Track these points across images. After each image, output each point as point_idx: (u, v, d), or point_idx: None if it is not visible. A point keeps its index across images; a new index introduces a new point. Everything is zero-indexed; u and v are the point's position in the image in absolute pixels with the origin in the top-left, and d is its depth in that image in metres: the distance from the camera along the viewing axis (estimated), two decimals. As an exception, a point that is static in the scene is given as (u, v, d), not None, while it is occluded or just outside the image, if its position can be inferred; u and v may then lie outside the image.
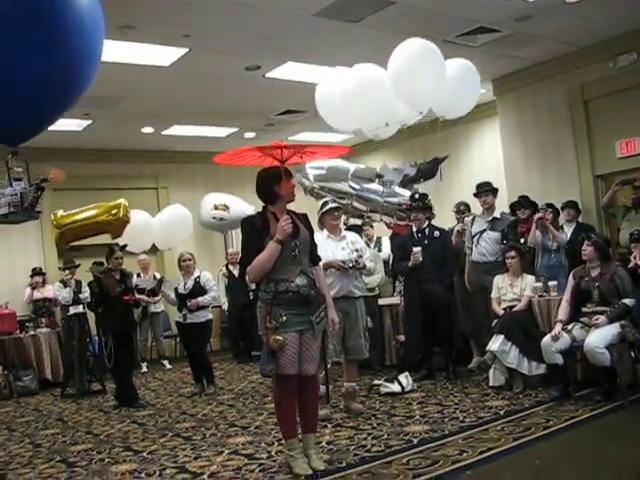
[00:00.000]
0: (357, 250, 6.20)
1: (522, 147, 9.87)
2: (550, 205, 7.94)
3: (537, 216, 7.58)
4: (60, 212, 8.62)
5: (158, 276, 9.74)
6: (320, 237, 5.77)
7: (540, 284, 6.79)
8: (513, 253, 6.94)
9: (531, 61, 9.23)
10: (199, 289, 7.77)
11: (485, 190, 7.47)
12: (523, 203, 8.21)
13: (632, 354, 5.77)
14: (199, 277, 7.85)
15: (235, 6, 6.54)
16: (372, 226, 9.21)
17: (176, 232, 11.54)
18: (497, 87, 9.93)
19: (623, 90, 8.60)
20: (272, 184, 4.37)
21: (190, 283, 7.80)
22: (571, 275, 6.19)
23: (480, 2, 7.01)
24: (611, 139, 8.84)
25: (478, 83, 6.66)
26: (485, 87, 10.05)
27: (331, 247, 6.14)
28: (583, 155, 9.16)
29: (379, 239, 9.31)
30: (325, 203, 6.46)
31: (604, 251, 6.08)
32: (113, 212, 8.58)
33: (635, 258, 6.64)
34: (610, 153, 8.88)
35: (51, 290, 10.13)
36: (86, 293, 8.74)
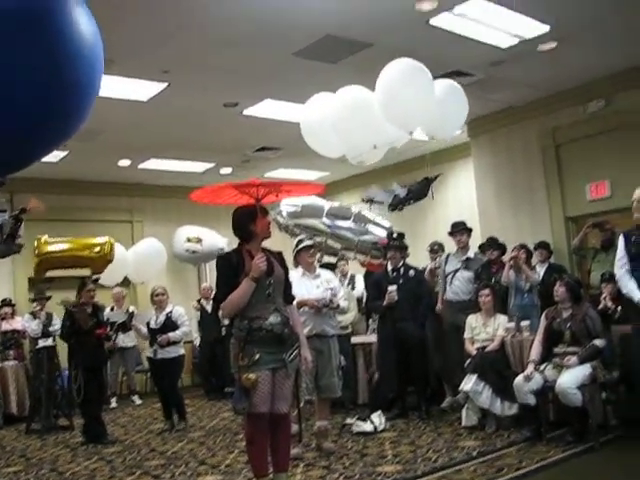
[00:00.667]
0: (331, 289, 6.21)
1: (495, 188, 10.01)
2: (523, 245, 8.05)
3: (511, 255, 7.66)
4: (45, 237, 8.49)
5: (131, 310, 9.65)
6: (295, 275, 5.78)
7: (513, 324, 6.84)
8: (487, 292, 6.99)
9: (505, 104, 9.42)
10: (171, 324, 7.72)
11: (460, 229, 7.56)
12: (492, 244, 8.30)
13: (603, 395, 5.81)
14: (171, 312, 7.80)
15: (215, 43, 6.62)
16: (347, 262, 9.24)
17: (149, 265, 11.48)
18: (472, 129, 10.09)
19: (593, 135, 8.81)
20: (247, 222, 4.38)
21: (162, 318, 7.75)
22: (543, 315, 6.25)
23: (456, 48, 7.17)
24: (582, 182, 9.01)
25: (466, 103, 6.62)
26: (460, 128, 10.21)
27: (306, 285, 6.15)
28: (555, 197, 9.32)
29: (353, 277, 9.34)
30: (300, 241, 6.48)
31: (576, 292, 6.15)
32: (97, 249, 8.45)
33: (605, 299, 6.72)
34: (581, 196, 9.04)
35: (20, 322, 9.98)
36: (56, 326, 8.63)
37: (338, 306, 6.24)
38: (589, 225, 8.46)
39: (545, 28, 6.92)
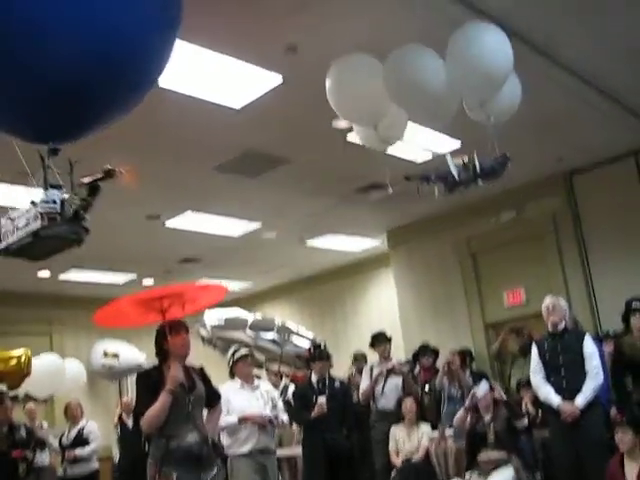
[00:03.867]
0: (272, 399, 6.05)
1: (416, 297, 10.19)
2: (457, 351, 8.07)
3: (444, 361, 7.72)
4: None
5: (45, 426, 9.23)
6: (232, 387, 5.64)
7: (437, 433, 6.84)
8: (409, 401, 7.01)
9: (422, 216, 9.73)
10: (82, 440, 7.40)
11: (381, 340, 7.62)
12: (425, 351, 8.37)
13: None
14: (83, 427, 7.52)
15: (136, 155, 6.69)
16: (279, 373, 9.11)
17: (68, 380, 11.08)
18: (390, 239, 10.36)
19: (507, 243, 9.15)
20: (161, 340, 4.30)
21: (74, 433, 7.47)
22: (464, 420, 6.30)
23: (373, 162, 7.44)
24: (499, 289, 9.28)
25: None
26: (379, 239, 10.49)
27: (246, 397, 5.94)
28: (474, 304, 9.54)
29: (286, 387, 9.20)
30: (237, 350, 6.30)
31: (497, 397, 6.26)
32: (13, 362, 8.11)
33: (526, 404, 6.84)
34: (498, 302, 9.29)
35: None
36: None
37: (283, 423, 6.09)
38: (506, 331, 8.67)
39: (457, 143, 7.29)
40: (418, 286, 10.15)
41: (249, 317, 9.01)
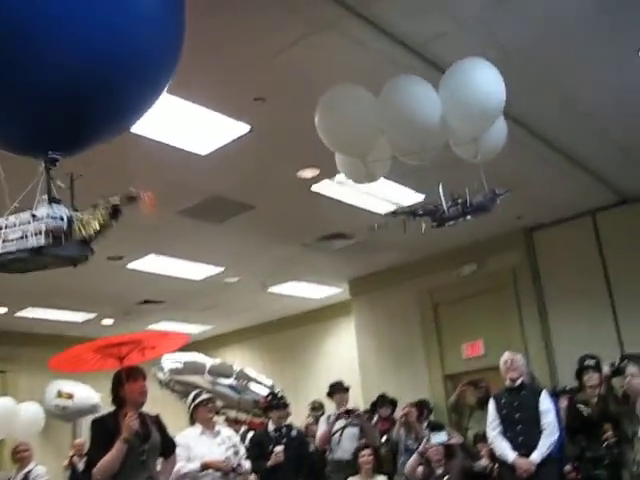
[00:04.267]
0: (234, 445, 5.91)
1: (376, 346, 10.19)
2: (415, 403, 8.05)
3: (402, 412, 7.70)
4: None
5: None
6: (193, 433, 5.52)
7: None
8: (367, 452, 6.94)
9: (384, 266, 9.80)
10: (28, 485, 7.22)
11: (338, 389, 7.58)
12: (384, 401, 8.33)
13: None
14: (30, 471, 7.32)
15: (103, 195, 6.66)
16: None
17: (23, 423, 10.79)
18: (352, 288, 10.40)
19: (467, 296, 9.24)
20: (118, 387, 4.26)
21: (20, 477, 7.25)
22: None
23: (337, 212, 7.52)
24: (458, 341, 9.33)
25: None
26: (341, 287, 10.52)
27: (207, 444, 5.70)
28: (433, 355, 9.57)
29: (245, 432, 9.08)
30: (198, 394, 6.08)
31: (451, 449, 6.28)
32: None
33: (484, 457, 6.84)
34: (457, 354, 9.34)
35: None
36: None
37: (246, 471, 5.97)
38: (465, 383, 8.69)
39: (420, 197, 7.40)
40: (378, 336, 10.16)
41: (208, 362, 8.93)
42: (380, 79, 4.36)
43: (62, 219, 2.73)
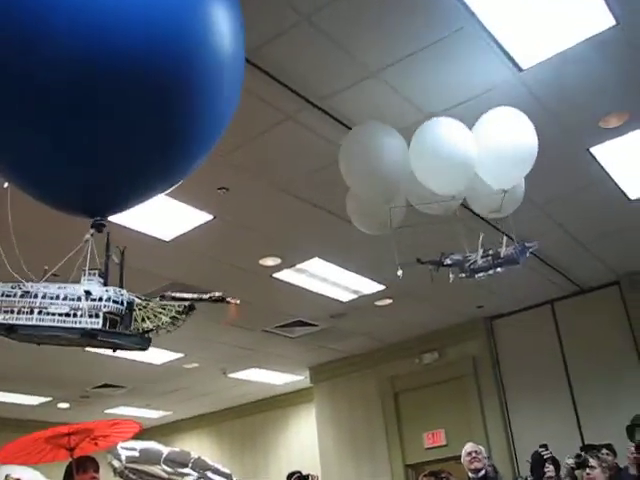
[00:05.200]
0: None
1: (336, 434, 10.07)
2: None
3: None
4: None
5: None
6: None
7: None
8: None
9: (346, 353, 9.79)
10: None
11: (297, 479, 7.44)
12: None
13: None
14: None
15: (62, 278, 6.62)
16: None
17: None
18: (313, 375, 10.33)
19: (429, 385, 9.23)
20: (68, 479, 4.15)
21: None
22: None
23: (299, 300, 7.55)
24: (419, 430, 9.26)
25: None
26: (303, 374, 10.46)
27: None
28: (394, 444, 9.47)
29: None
30: None
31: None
32: None
33: None
34: (419, 443, 9.25)
35: None
36: None
37: None
38: (425, 474, 8.55)
39: (381, 287, 7.48)
40: (339, 423, 10.05)
41: (164, 450, 8.69)
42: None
43: (123, 303, 2.38)
